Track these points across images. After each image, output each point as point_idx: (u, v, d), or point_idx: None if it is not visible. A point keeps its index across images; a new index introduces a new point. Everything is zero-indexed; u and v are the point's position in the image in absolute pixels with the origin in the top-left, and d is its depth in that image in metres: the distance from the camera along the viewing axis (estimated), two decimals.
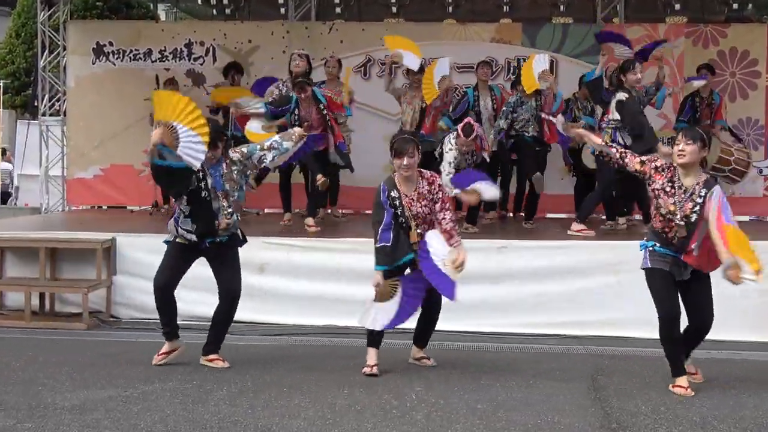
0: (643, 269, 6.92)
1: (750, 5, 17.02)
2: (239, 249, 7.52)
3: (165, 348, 7.54)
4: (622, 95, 9.93)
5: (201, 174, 7.13)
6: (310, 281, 9.48)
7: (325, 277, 9.48)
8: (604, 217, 11.16)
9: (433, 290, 7.17)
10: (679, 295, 6.86)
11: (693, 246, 6.66)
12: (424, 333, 7.67)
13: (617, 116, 9.96)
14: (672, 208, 6.70)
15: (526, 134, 11.00)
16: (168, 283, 7.33)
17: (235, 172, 7.31)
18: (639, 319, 8.58)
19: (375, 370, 7.23)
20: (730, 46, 13.55)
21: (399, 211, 7.20)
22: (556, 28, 14.13)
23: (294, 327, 9.28)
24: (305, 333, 9.05)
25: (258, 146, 7.48)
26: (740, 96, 13.48)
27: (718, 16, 18.15)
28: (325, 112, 10.46)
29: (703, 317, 6.88)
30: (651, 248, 6.88)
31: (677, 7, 17.30)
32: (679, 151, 6.70)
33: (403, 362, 7.65)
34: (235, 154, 7.34)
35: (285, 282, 9.51)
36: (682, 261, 6.74)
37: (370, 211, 7.60)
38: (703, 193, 6.66)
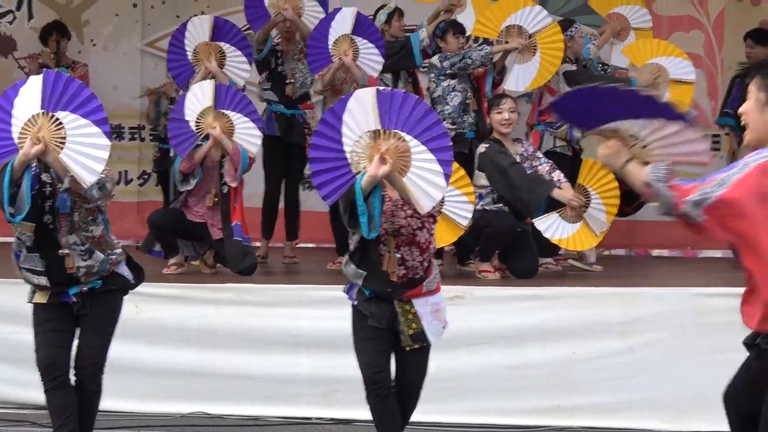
0: None
1: None
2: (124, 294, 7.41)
3: None
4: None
5: (48, 188, 6.99)
6: (159, 347, 9.47)
7: (187, 341, 9.46)
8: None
9: (406, 368, 7.27)
10: None
11: None
12: None
13: None
14: None
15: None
16: (52, 362, 7.11)
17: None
18: (658, 402, 8.90)
19: None
20: None
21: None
22: None
23: (140, 416, 9.21)
24: (158, 425, 9.00)
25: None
26: None
27: None
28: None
29: None
30: None
31: None
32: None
33: None
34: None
35: (126, 349, 9.26)
36: None
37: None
38: None
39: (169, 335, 9.44)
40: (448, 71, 11.00)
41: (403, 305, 7.09)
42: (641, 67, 11.67)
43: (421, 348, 7.19)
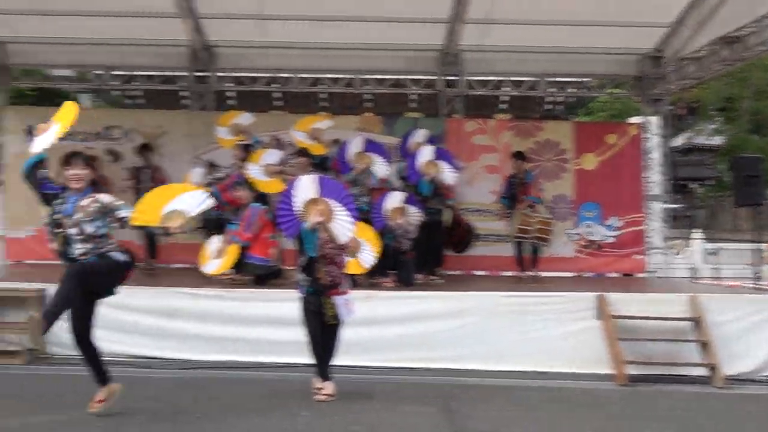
0: None
1: (560, 106, 17.79)
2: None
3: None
4: None
5: (61, 200, 6.40)
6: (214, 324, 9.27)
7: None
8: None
9: (330, 334, 7.26)
10: None
11: None
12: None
13: None
14: None
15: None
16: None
17: (94, 208, 6.38)
18: (480, 354, 9.05)
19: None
20: (545, 137, 13.90)
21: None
22: (410, 121, 14.29)
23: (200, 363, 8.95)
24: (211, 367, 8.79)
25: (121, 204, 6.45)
26: (554, 177, 13.73)
27: (535, 113, 18.96)
28: None
29: None
30: None
31: (503, 106, 18.07)
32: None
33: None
34: (106, 197, 6.47)
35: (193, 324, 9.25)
36: None
37: None
38: None
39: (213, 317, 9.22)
40: None
41: (327, 299, 7.16)
42: None
43: (337, 324, 7.27)
